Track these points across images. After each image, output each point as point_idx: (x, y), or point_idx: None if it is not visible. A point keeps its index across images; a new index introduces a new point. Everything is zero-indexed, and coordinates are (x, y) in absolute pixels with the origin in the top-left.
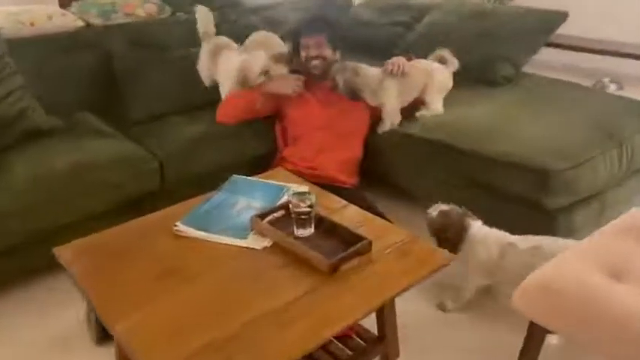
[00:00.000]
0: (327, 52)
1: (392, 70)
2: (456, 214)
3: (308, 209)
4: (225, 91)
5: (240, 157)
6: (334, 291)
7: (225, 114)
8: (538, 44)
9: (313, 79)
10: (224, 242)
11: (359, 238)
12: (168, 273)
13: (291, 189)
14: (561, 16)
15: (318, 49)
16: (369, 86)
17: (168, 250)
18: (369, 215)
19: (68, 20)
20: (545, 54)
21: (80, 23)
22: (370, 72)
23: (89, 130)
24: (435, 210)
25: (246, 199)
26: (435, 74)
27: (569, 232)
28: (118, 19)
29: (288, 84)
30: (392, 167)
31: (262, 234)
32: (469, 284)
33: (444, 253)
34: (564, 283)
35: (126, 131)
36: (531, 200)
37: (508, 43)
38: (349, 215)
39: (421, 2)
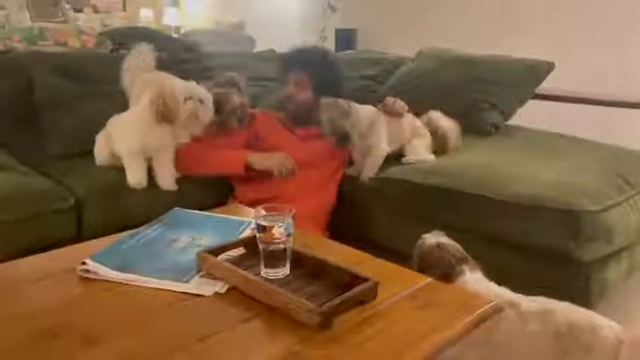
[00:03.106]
0: (304, 96)
1: (391, 108)
2: (453, 254)
3: (284, 237)
4: (126, 153)
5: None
6: (327, 356)
7: (190, 167)
8: (527, 94)
9: (288, 121)
10: (156, 287)
11: (359, 278)
12: (56, 332)
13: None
14: (549, 66)
15: (294, 88)
16: (358, 129)
17: (64, 299)
18: (366, 255)
19: None
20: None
21: None
22: (361, 112)
23: None
24: (432, 238)
25: (191, 234)
26: (423, 131)
27: (601, 293)
28: (47, 47)
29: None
30: (368, 218)
31: (213, 275)
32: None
33: (484, 299)
34: None
35: (42, 168)
36: (558, 251)
37: (496, 90)
38: (338, 253)
39: (395, 57)
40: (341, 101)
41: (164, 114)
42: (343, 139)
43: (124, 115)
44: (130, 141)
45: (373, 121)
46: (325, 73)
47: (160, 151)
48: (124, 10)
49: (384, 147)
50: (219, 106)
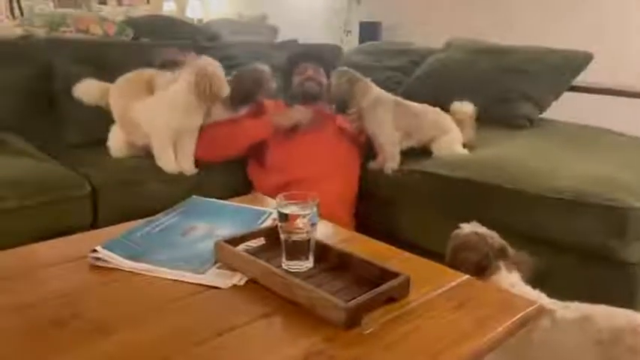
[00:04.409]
0: (323, 79)
1: None
2: (492, 245)
3: (307, 227)
4: (161, 138)
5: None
6: (354, 357)
7: (216, 150)
8: (563, 85)
9: (307, 102)
10: (169, 277)
11: (389, 274)
12: (63, 321)
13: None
14: (586, 57)
15: (315, 73)
16: (359, 101)
17: (73, 287)
18: (396, 249)
19: (3, 27)
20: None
21: (19, 32)
22: (370, 89)
23: (4, 149)
24: (470, 227)
25: (208, 223)
26: (450, 126)
27: None
28: (68, 33)
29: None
30: (394, 213)
31: (231, 267)
32: None
33: (526, 299)
34: None
35: (60, 156)
36: (600, 250)
37: (530, 81)
38: (365, 246)
39: (421, 48)
40: (353, 71)
41: (213, 94)
42: (341, 102)
43: (155, 99)
44: (171, 121)
45: (376, 102)
46: (330, 65)
47: (188, 133)
48: (148, 2)
49: (389, 132)
50: (255, 84)
